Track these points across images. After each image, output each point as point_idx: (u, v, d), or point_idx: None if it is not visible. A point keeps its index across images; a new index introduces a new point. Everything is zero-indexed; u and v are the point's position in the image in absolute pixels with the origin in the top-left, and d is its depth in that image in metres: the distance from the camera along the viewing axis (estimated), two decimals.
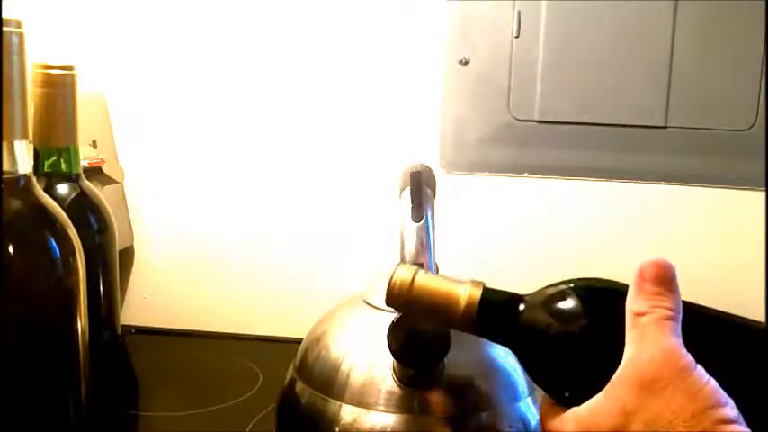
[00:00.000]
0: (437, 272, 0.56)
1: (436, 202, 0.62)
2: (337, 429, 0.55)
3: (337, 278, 0.90)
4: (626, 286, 0.44)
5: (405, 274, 0.46)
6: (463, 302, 0.45)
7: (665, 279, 0.42)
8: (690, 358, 0.40)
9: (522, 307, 0.45)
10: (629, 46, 0.86)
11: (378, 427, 0.53)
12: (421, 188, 0.58)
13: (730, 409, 0.38)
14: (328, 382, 0.56)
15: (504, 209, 0.91)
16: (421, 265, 0.48)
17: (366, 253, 0.92)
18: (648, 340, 0.40)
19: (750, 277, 0.85)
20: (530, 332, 0.45)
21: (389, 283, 0.46)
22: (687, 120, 0.87)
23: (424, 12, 0.89)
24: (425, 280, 0.46)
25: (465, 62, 0.89)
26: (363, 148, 0.92)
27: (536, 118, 0.89)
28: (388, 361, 0.53)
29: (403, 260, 0.54)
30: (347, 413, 0.54)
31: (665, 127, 0.87)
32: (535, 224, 0.91)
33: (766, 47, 0.84)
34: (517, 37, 0.88)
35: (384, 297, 0.47)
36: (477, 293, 0.46)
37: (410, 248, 0.54)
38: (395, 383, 0.54)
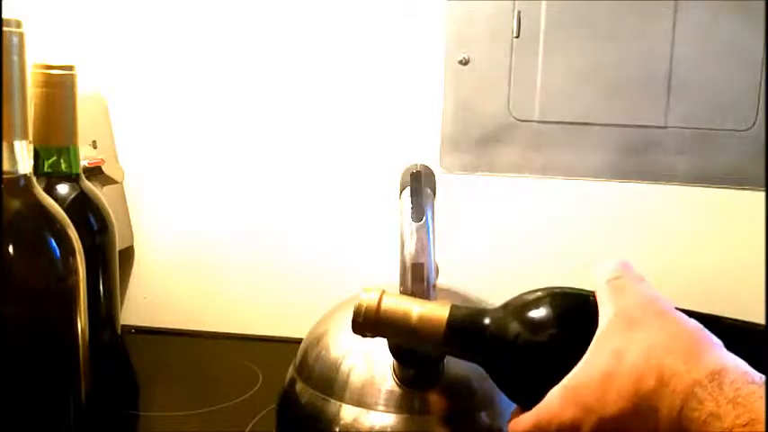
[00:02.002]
0: (437, 272, 0.56)
1: (436, 202, 0.62)
2: (337, 429, 0.55)
3: (337, 278, 0.90)
4: (591, 293, 0.44)
5: (370, 298, 0.46)
6: (431, 323, 0.45)
7: (628, 264, 0.45)
8: (670, 304, 0.41)
9: (488, 321, 0.45)
10: (629, 46, 0.86)
11: (378, 427, 0.53)
12: (421, 188, 0.58)
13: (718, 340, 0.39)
14: (328, 382, 0.56)
15: (504, 209, 0.91)
16: (421, 266, 0.48)
17: (366, 253, 0.92)
18: (629, 291, 0.42)
19: (750, 277, 0.85)
20: (499, 345, 0.44)
21: (355, 308, 0.46)
22: (687, 120, 0.87)
23: (423, 12, 0.89)
24: (392, 303, 0.46)
25: (465, 62, 0.89)
26: (364, 148, 0.92)
27: (536, 118, 0.89)
28: (388, 361, 0.53)
29: (403, 260, 0.54)
30: (347, 413, 0.54)
31: (665, 127, 0.87)
32: (535, 224, 0.91)
33: (766, 47, 0.84)
34: (517, 37, 0.88)
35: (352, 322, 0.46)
36: (445, 313, 0.46)
37: (410, 248, 0.54)
38: (395, 383, 0.54)
